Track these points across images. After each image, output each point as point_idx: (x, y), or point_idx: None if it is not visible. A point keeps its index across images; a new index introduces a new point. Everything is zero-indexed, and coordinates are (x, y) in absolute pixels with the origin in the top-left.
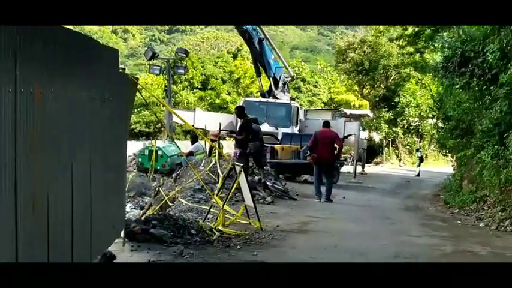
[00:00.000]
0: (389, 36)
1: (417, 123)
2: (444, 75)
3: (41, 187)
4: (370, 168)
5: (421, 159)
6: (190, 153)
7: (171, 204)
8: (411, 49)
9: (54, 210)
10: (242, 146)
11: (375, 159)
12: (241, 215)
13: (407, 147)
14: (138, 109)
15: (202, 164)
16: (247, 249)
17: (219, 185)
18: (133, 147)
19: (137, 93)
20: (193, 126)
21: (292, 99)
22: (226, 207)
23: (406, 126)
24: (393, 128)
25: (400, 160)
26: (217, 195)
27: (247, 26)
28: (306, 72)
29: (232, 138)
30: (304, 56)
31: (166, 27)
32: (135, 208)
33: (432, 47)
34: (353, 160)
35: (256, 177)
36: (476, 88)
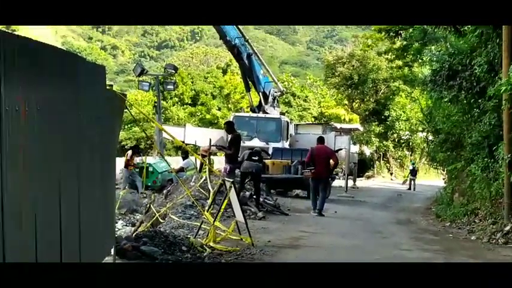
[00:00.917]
0: (377, 50)
1: (408, 136)
2: (433, 88)
3: (27, 205)
4: (361, 182)
5: (414, 172)
6: (181, 169)
7: (162, 220)
8: (400, 63)
9: (42, 229)
10: (232, 161)
11: (366, 173)
12: (232, 231)
13: (399, 160)
14: (128, 125)
15: (192, 180)
16: None
17: (209, 201)
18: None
19: (126, 110)
20: (183, 142)
21: (282, 113)
22: (217, 223)
23: (396, 140)
24: (384, 142)
25: (391, 174)
26: (207, 211)
27: (236, 41)
28: (295, 86)
29: (222, 153)
30: (293, 70)
31: (156, 43)
32: (126, 225)
33: (420, 61)
34: (344, 174)
35: (247, 193)
36: (465, 101)
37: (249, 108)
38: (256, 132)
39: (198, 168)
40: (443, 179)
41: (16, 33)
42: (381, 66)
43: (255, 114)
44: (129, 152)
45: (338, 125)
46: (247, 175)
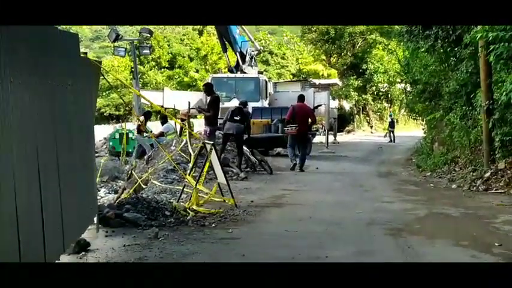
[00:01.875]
0: None
1: (386, 88)
2: (409, 39)
3: (6, 175)
4: (342, 137)
5: (392, 124)
6: (161, 134)
7: (144, 186)
8: None
9: (22, 200)
10: (212, 123)
11: (347, 128)
12: (214, 193)
13: (378, 113)
14: (107, 92)
15: (173, 144)
16: (222, 226)
17: (190, 165)
18: (104, 131)
19: (102, 77)
20: (162, 106)
21: (260, 72)
22: (199, 186)
23: (375, 93)
24: (363, 95)
25: (371, 127)
26: (189, 174)
27: None
28: (272, 44)
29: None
30: (270, 28)
31: None
32: (109, 193)
33: None
34: (324, 130)
35: (229, 154)
36: (441, 50)
37: (226, 69)
38: (235, 92)
39: (178, 132)
40: (423, 129)
41: None
42: None
43: (232, 75)
44: (142, 118)
45: (316, 81)
46: (228, 136)
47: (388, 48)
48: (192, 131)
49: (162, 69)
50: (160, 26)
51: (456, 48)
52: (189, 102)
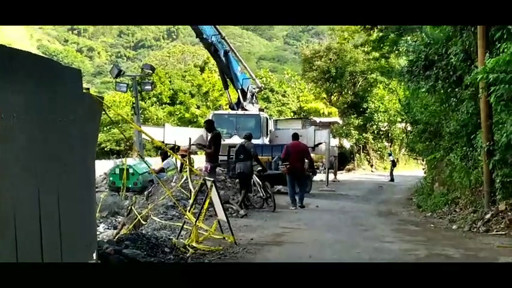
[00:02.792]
0: (354, 42)
1: (387, 128)
2: (410, 79)
3: (8, 211)
4: (342, 175)
5: (394, 164)
6: (161, 170)
7: (144, 222)
8: (376, 54)
9: (23, 235)
10: (212, 160)
11: (347, 166)
12: (214, 230)
13: (378, 152)
14: (108, 127)
15: (173, 180)
16: None
17: (191, 201)
18: (104, 166)
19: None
20: (162, 142)
21: (261, 110)
22: (199, 223)
23: (376, 132)
24: (363, 134)
25: (371, 166)
26: (189, 211)
27: (213, 39)
28: (273, 82)
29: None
30: (271, 66)
31: (132, 44)
32: (108, 228)
33: (397, 52)
34: (325, 168)
35: (229, 192)
36: (442, 91)
37: (227, 106)
38: (236, 129)
39: (178, 168)
40: (423, 169)
41: None
42: (358, 58)
43: (234, 112)
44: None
45: (317, 119)
46: (239, 176)
47: (388, 88)
48: (193, 167)
49: (164, 105)
50: (162, 63)
51: (457, 89)
52: (190, 139)
